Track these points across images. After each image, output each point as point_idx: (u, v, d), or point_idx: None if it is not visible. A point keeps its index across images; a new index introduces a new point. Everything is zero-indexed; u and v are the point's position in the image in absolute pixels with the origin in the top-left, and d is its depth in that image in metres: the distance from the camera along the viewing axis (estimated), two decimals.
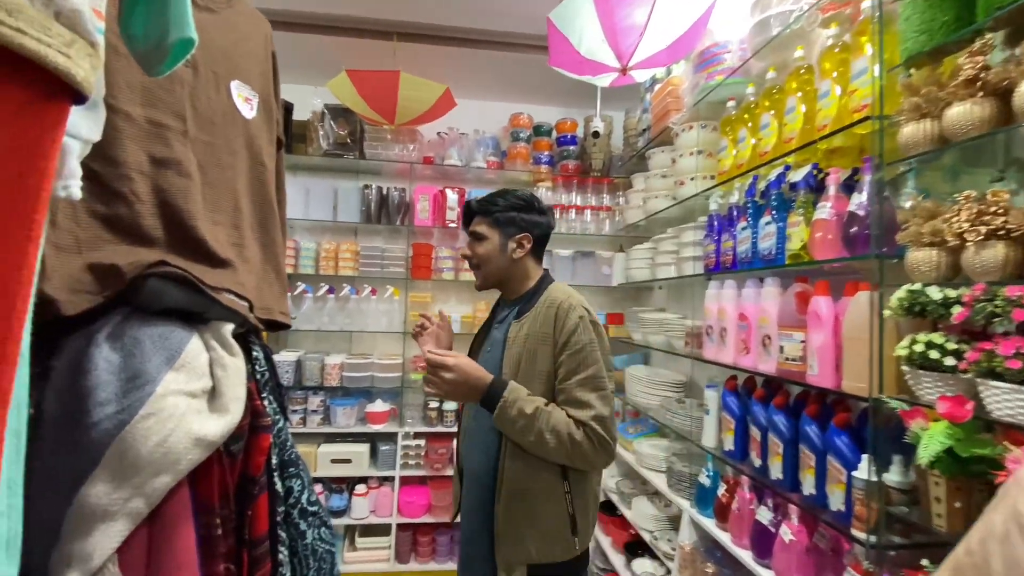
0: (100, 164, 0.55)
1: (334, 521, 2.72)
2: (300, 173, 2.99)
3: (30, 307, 0.31)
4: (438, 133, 3.00)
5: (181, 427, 0.49)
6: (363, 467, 2.75)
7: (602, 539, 2.50)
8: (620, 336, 2.87)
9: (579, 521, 1.16)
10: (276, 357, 2.74)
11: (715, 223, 1.76)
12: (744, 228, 1.56)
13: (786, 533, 1.31)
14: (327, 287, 2.84)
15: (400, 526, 2.74)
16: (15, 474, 0.35)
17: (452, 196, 2.92)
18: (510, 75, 2.90)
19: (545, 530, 1.13)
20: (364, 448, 2.79)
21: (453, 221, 2.91)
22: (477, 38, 2.57)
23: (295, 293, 2.78)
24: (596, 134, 2.69)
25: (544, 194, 3.02)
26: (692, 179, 2.00)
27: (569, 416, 1.10)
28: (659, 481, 2.04)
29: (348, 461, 2.73)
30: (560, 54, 1.98)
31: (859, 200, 1.16)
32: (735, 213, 1.64)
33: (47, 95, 0.31)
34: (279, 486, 0.65)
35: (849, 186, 1.24)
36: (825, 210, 1.24)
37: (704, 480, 1.74)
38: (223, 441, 0.54)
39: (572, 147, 3.05)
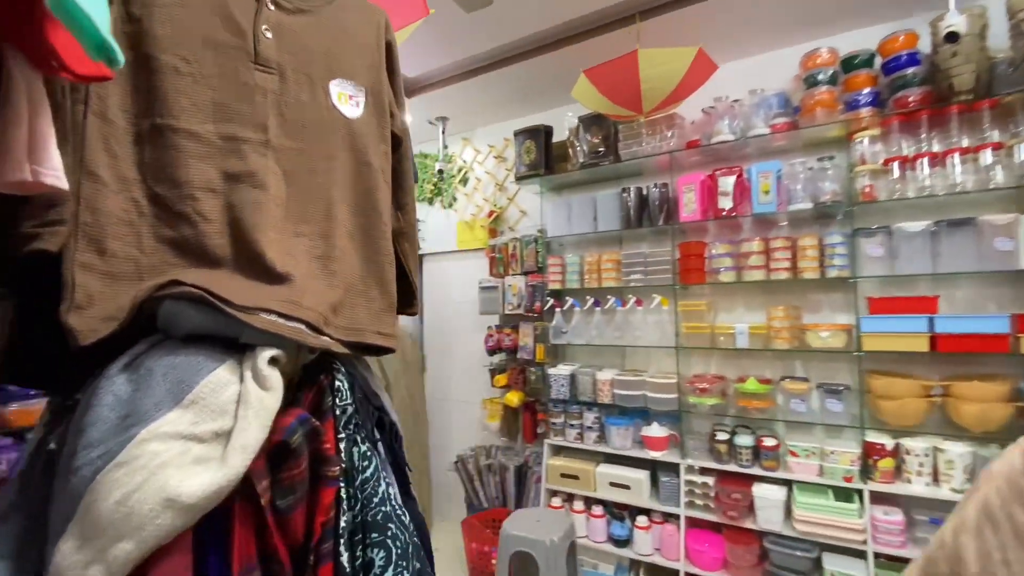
0: (164, 187, 0.54)
1: (616, 551, 2.53)
2: (564, 191, 3.04)
3: None
4: (703, 110, 2.53)
5: (151, 483, 0.40)
6: (643, 497, 2.49)
7: None
8: None
9: None
10: (552, 371, 2.79)
11: None
12: None
13: None
14: (593, 300, 2.74)
15: (689, 575, 2.33)
16: None
17: (725, 180, 2.39)
18: (790, 7, 2.19)
19: None
20: (643, 475, 2.52)
21: (730, 210, 2.37)
22: None
23: (564, 308, 2.80)
24: (952, 36, 1.71)
25: (868, 148, 2.12)
26: None
27: None
28: None
29: (627, 487, 2.53)
30: None
31: None
32: None
33: None
34: (346, 557, 0.50)
35: None
36: None
37: None
38: (209, 506, 0.43)
39: (912, 69, 2.04)
